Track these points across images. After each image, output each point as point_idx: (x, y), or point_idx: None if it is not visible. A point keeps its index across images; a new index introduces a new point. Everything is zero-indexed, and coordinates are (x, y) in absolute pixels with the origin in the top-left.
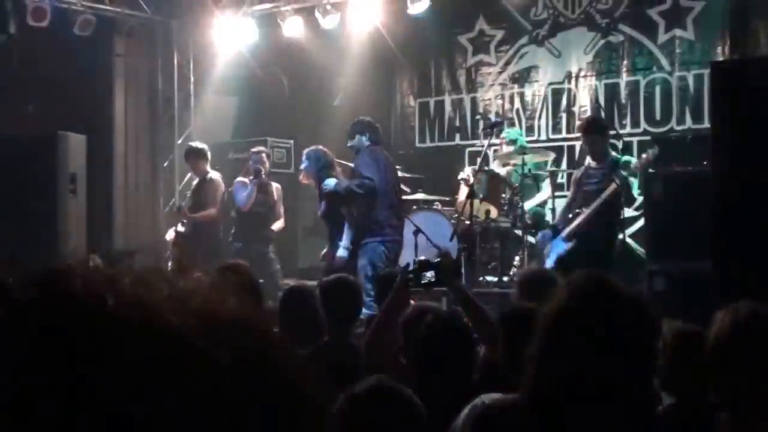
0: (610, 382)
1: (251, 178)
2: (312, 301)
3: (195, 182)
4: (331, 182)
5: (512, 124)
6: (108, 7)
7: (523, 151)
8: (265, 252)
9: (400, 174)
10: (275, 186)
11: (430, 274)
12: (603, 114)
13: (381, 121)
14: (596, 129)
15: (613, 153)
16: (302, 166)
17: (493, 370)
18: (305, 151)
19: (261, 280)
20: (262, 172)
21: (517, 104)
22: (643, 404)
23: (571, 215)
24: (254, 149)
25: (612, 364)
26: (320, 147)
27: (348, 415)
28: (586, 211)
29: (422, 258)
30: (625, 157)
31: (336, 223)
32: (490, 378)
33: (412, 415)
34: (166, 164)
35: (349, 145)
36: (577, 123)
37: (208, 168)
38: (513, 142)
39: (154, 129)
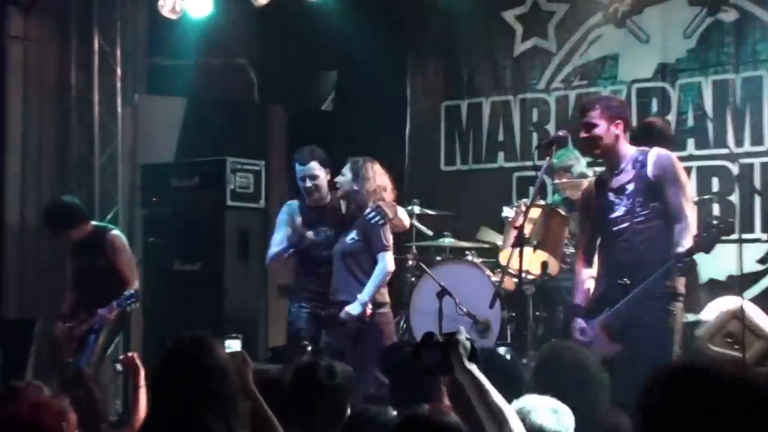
0: None
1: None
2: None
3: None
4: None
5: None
6: None
7: (583, 178)
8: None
9: (417, 210)
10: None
11: (434, 355)
12: (711, 124)
13: (391, 133)
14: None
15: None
16: (339, 178)
17: None
18: (350, 160)
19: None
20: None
21: None
22: None
23: (591, 281)
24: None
25: None
26: (373, 161)
27: None
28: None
29: (429, 332)
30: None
31: (361, 267)
32: None
33: None
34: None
35: (336, 181)
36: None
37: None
38: (565, 168)
39: (65, 142)
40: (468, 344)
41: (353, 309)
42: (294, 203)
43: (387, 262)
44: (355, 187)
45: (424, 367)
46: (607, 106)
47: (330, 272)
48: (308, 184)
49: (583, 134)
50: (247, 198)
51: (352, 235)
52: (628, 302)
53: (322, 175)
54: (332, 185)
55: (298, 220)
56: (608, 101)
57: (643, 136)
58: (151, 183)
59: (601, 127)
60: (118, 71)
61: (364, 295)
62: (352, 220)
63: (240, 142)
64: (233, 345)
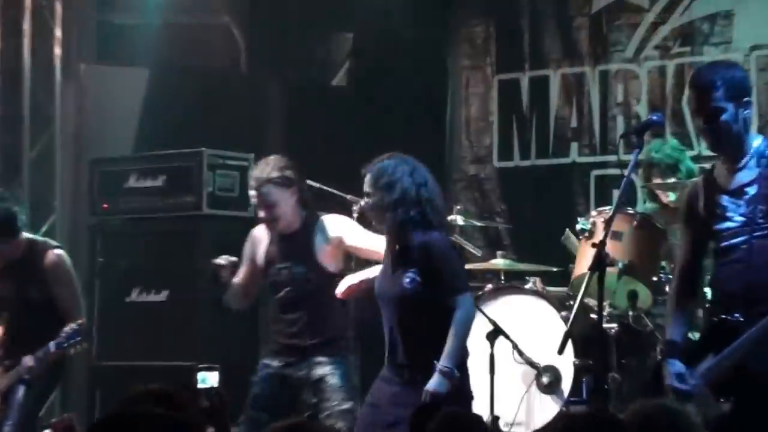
0: None
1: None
2: None
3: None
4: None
5: (678, 129)
6: None
7: (691, 178)
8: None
9: (460, 221)
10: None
11: None
12: None
13: (425, 117)
14: (715, 80)
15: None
16: (363, 201)
17: None
18: (367, 169)
19: None
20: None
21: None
22: None
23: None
24: None
25: None
26: (404, 156)
27: None
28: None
29: None
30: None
31: (425, 320)
32: None
33: None
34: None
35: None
36: None
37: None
38: (671, 166)
39: None
40: None
41: (439, 386)
42: (260, 230)
43: (467, 306)
44: (392, 198)
45: None
46: (732, 81)
47: (300, 318)
48: (261, 213)
49: (703, 125)
50: (230, 204)
51: (411, 274)
52: (740, 346)
53: (284, 197)
54: (302, 203)
55: (261, 252)
56: (730, 72)
57: None
58: (102, 183)
59: (729, 113)
60: (58, 33)
61: (447, 361)
62: (402, 254)
63: (221, 129)
64: (210, 378)
